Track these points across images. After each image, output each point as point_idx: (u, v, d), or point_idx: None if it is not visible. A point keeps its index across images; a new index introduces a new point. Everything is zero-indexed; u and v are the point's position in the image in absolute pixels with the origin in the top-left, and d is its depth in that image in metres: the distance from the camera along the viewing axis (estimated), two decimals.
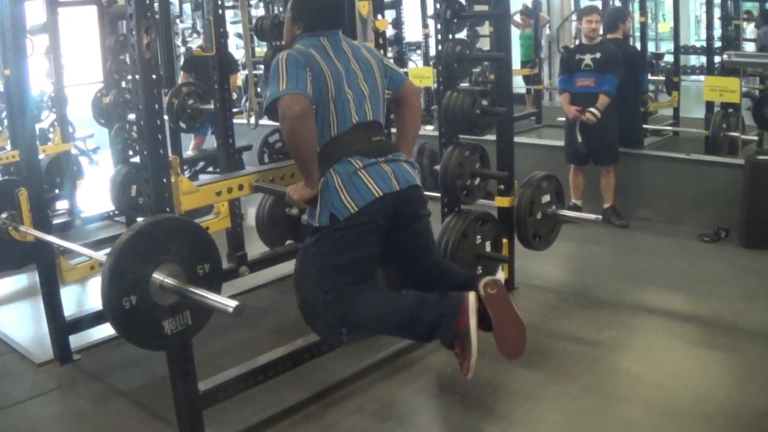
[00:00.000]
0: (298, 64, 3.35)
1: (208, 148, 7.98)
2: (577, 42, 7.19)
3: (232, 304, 2.94)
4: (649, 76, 8.79)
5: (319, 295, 3.59)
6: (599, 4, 9.54)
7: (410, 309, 3.40)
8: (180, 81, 7.82)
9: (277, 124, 5.88)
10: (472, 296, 3.30)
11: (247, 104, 4.58)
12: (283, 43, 3.83)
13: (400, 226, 3.50)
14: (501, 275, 5.17)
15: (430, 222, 3.75)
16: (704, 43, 9.69)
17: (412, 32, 12.33)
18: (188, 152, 8.21)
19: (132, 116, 5.97)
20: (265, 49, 6.22)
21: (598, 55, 6.83)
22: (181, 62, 10.96)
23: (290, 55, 3.39)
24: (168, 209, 3.35)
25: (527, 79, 12.18)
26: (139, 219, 3.48)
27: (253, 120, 4.57)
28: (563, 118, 7.43)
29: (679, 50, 9.88)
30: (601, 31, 7.04)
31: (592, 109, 6.73)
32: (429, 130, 8.98)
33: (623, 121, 7.09)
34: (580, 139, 6.82)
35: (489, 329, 3.37)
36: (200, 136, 8.77)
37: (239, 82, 9.91)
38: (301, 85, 3.29)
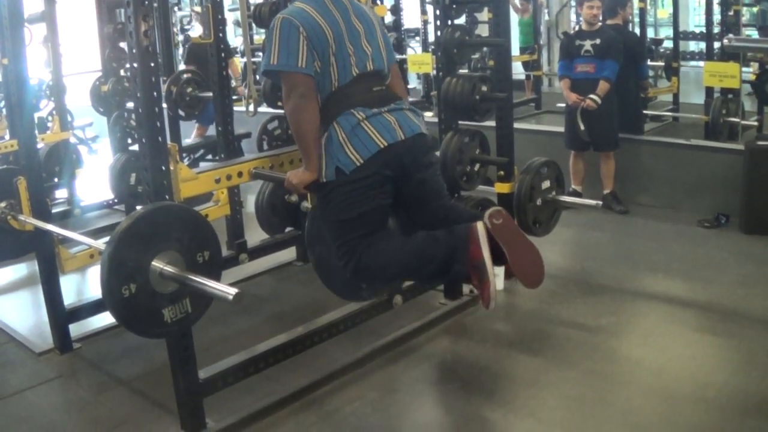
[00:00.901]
0: (292, 30, 3.32)
1: (210, 135, 7.97)
2: (577, 28, 7.16)
3: (232, 291, 2.94)
4: (649, 62, 8.76)
5: (332, 252, 3.57)
6: None
7: (421, 249, 3.39)
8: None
9: (277, 111, 5.93)
10: (479, 225, 3.26)
11: (246, 91, 4.57)
12: None
13: (408, 174, 3.47)
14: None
15: (438, 169, 3.74)
16: (703, 29, 9.66)
17: (411, 19, 12.31)
18: (187, 140, 8.20)
19: (130, 104, 5.97)
20: (263, 37, 6.19)
21: (598, 41, 6.82)
22: (180, 51, 10.97)
23: (284, 20, 3.36)
24: (167, 197, 3.35)
25: (526, 65, 12.17)
26: (139, 207, 3.46)
27: (252, 108, 4.56)
28: (563, 104, 7.42)
29: (678, 36, 9.85)
30: (601, 17, 7.02)
31: (593, 96, 6.72)
32: (428, 116, 8.96)
33: (623, 107, 7.08)
34: (582, 127, 6.81)
35: (504, 262, 3.32)
36: (204, 125, 8.76)
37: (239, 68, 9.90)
38: (292, 59, 3.28)
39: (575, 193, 7.09)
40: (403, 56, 10.42)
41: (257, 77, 5.35)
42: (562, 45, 7.24)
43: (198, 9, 9.41)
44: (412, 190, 3.52)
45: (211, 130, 7.62)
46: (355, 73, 3.45)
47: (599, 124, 6.85)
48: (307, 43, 3.32)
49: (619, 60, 6.81)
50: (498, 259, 3.30)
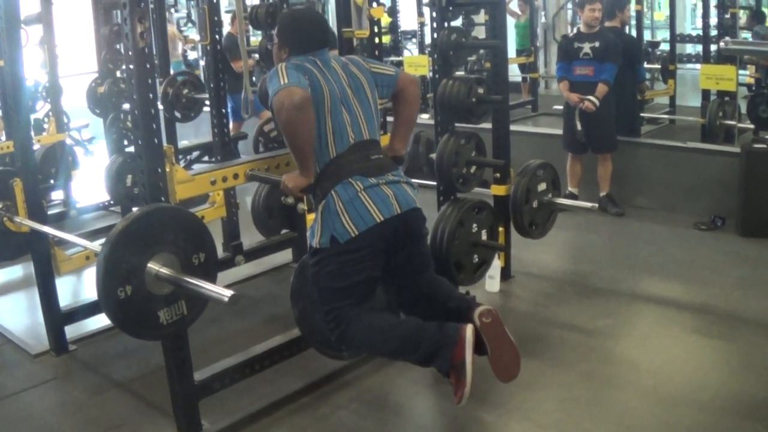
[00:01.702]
0: (298, 69, 3.34)
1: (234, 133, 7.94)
2: (575, 30, 7.16)
3: (228, 293, 2.94)
4: (645, 65, 8.77)
5: (317, 314, 3.61)
6: None
7: (408, 337, 3.42)
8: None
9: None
10: (469, 330, 3.31)
11: (243, 93, 4.56)
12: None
13: (400, 247, 3.50)
14: (497, 263, 5.16)
15: (427, 240, 3.78)
16: (700, 32, 9.68)
17: (408, 21, 12.33)
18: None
19: (127, 106, 5.96)
20: (259, 39, 6.21)
21: (597, 43, 6.82)
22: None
23: (289, 63, 3.39)
24: (163, 199, 3.35)
25: (523, 68, 12.17)
26: (135, 209, 3.46)
27: (249, 109, 4.56)
28: (560, 107, 7.43)
29: (675, 38, 9.88)
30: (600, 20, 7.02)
31: (591, 98, 6.72)
32: (425, 118, 8.95)
33: (620, 110, 7.08)
34: (579, 127, 6.82)
35: (484, 353, 3.41)
36: (238, 121, 8.70)
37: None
38: (302, 82, 3.27)
39: (572, 196, 7.09)
40: (400, 58, 10.42)
41: (253, 78, 5.36)
42: (560, 47, 7.22)
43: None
44: (403, 261, 3.55)
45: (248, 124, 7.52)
46: (352, 140, 3.44)
47: (597, 126, 6.85)
48: (310, 85, 3.32)
49: (617, 63, 6.81)
50: (479, 349, 3.38)
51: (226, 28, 8.31)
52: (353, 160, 3.42)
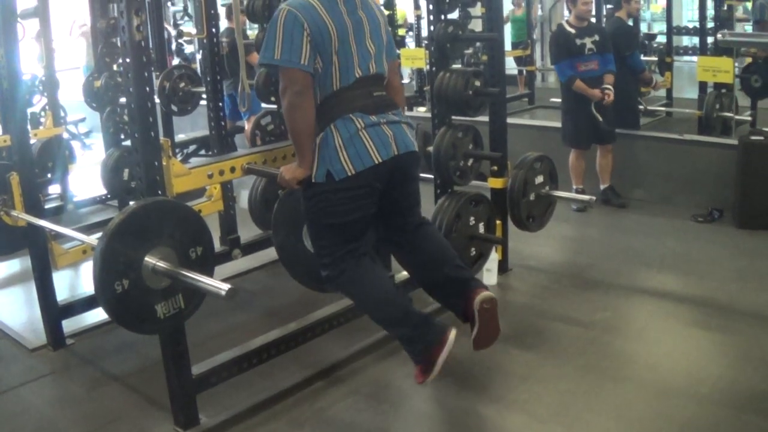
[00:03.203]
0: (296, 24, 3.27)
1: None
2: (566, 26, 7.03)
3: (225, 287, 2.94)
4: (642, 57, 8.75)
5: (300, 244, 3.74)
6: None
7: (394, 316, 3.52)
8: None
9: (269, 106, 5.92)
10: (452, 334, 3.47)
11: (240, 85, 4.55)
12: None
13: (392, 187, 3.52)
14: (495, 257, 5.16)
15: (418, 182, 3.79)
16: (697, 24, 9.67)
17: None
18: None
19: (123, 100, 5.95)
20: (256, 32, 6.19)
21: (596, 37, 6.82)
22: (173, 45, 10.94)
23: (290, 13, 3.29)
24: (160, 192, 3.34)
25: (518, 61, 12.18)
26: (132, 202, 3.46)
27: (246, 102, 4.55)
28: (556, 100, 7.41)
29: (671, 31, 9.87)
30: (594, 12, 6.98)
31: (610, 87, 6.74)
32: (421, 111, 8.94)
33: (619, 102, 7.05)
34: (600, 118, 6.75)
35: (467, 321, 3.62)
36: (252, 115, 8.65)
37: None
38: (295, 55, 3.25)
39: (580, 192, 7.06)
40: (397, 51, 10.39)
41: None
42: (558, 45, 7.04)
43: None
44: (391, 200, 3.59)
45: None
46: (358, 74, 3.42)
47: (604, 117, 6.83)
48: (311, 41, 3.27)
49: (611, 50, 6.87)
50: (466, 320, 3.65)
51: (223, 23, 8.28)
52: (356, 96, 3.41)
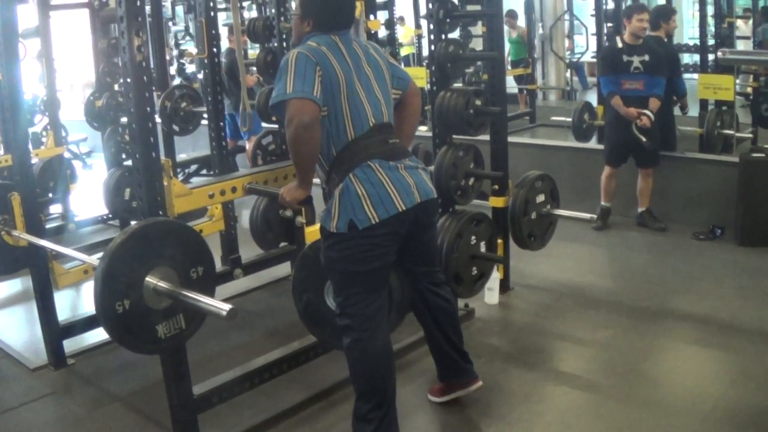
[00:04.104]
0: (308, 63, 3.27)
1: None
2: (619, 42, 6.94)
3: (226, 307, 2.93)
4: None
5: (323, 306, 3.68)
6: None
7: (377, 401, 3.50)
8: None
9: (271, 126, 5.92)
10: None
11: (241, 106, 4.56)
12: (292, 41, 3.77)
13: (416, 233, 3.54)
14: (496, 275, 5.16)
15: (436, 229, 3.88)
16: (698, 41, 9.69)
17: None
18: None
19: (124, 119, 5.96)
20: (257, 51, 6.20)
21: (646, 57, 6.66)
22: (175, 66, 10.97)
23: (300, 54, 3.30)
24: (161, 212, 3.34)
25: (519, 79, 12.21)
26: (133, 222, 3.45)
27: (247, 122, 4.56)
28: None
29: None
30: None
31: (647, 112, 6.59)
32: (423, 130, 8.94)
33: (664, 124, 7.01)
34: (644, 139, 6.68)
35: (442, 383, 4.07)
36: (253, 135, 8.66)
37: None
38: (307, 87, 3.21)
39: (606, 211, 7.07)
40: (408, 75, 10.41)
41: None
42: (605, 58, 7.01)
43: None
44: (411, 247, 3.61)
45: None
46: (372, 123, 3.41)
47: (648, 140, 6.69)
48: (322, 81, 3.26)
49: (666, 76, 6.74)
50: (442, 381, 4.06)
51: (224, 43, 8.31)
52: (372, 144, 3.40)
